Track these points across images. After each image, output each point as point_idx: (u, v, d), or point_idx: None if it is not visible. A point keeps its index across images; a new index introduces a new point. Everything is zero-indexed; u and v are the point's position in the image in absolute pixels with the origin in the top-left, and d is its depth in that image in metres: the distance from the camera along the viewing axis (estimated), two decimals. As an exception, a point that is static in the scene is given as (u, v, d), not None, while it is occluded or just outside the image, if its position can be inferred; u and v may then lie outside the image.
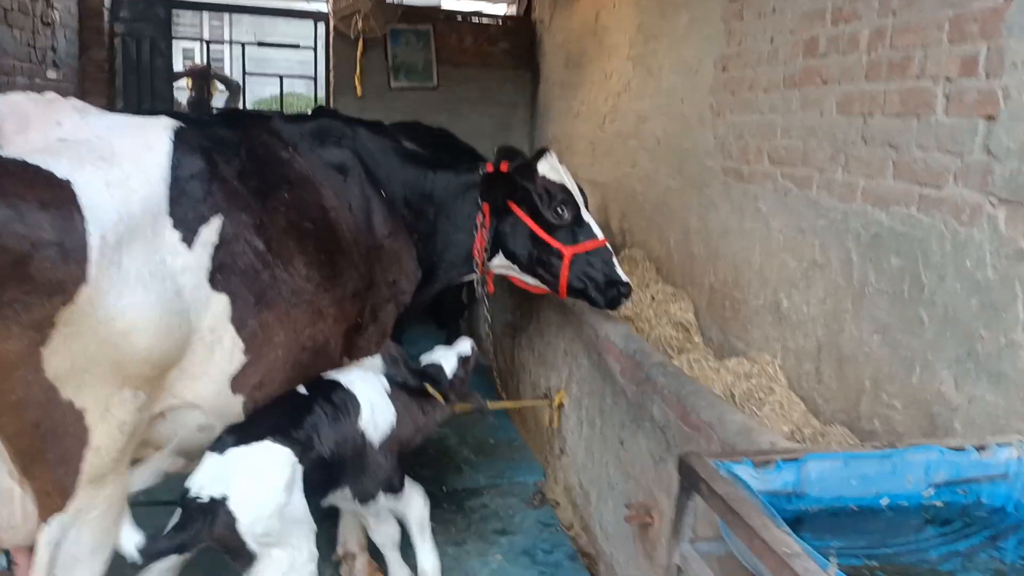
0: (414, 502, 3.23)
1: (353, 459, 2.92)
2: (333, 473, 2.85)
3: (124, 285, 2.13)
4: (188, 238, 2.34)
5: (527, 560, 3.92)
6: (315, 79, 9.33)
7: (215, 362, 2.46)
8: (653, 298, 5.08)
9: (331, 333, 2.82)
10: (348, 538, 3.60)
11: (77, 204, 2.04)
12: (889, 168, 3.16)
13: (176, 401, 2.45)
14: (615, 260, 3.79)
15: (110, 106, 8.65)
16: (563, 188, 3.73)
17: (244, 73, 9.32)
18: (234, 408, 2.59)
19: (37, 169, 2.03)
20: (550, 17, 8.49)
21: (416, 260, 3.44)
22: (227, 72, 9.98)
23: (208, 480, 2.50)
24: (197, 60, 8.99)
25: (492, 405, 3.77)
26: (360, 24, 8.39)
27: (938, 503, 2.26)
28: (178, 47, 15.78)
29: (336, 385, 2.92)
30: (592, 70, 6.92)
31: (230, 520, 2.44)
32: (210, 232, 2.39)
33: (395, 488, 3.13)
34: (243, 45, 8.96)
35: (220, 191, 2.45)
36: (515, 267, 3.82)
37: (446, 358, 3.37)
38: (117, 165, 2.19)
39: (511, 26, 9.34)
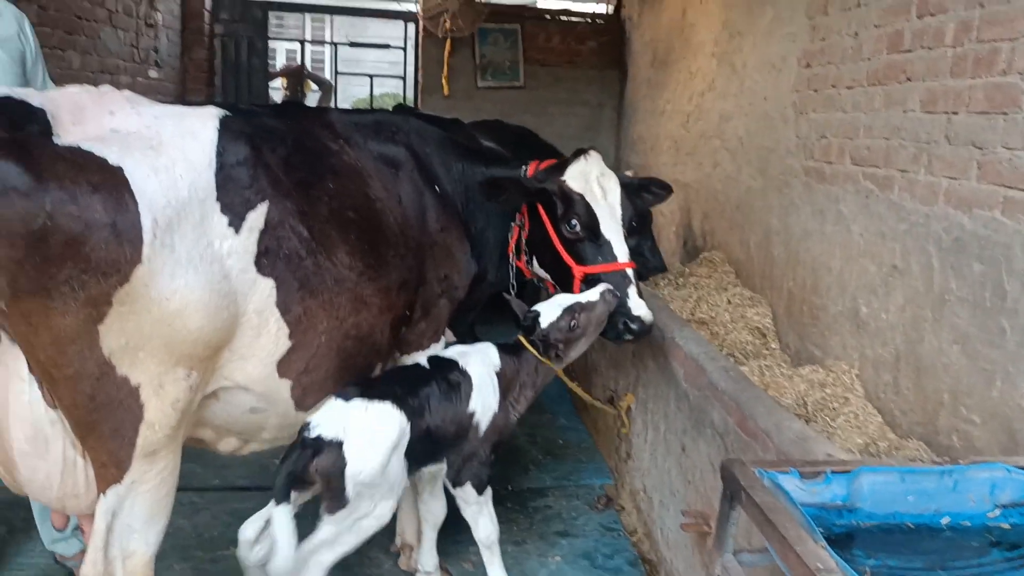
0: (481, 524, 3.27)
1: (455, 438, 3.07)
2: (434, 446, 3.03)
3: (176, 267, 2.22)
4: (235, 223, 2.41)
5: (586, 563, 3.89)
6: (404, 79, 9.49)
7: (262, 345, 2.53)
8: (729, 302, 4.96)
9: (376, 322, 2.86)
10: (406, 529, 3.64)
11: (129, 188, 2.14)
12: (973, 169, 3.00)
13: (228, 383, 2.54)
14: (632, 290, 3.38)
15: (209, 103, 9.01)
16: (580, 199, 3.36)
17: (336, 73, 9.57)
18: (282, 392, 2.66)
19: (90, 154, 2.13)
20: (639, 14, 8.41)
21: (469, 255, 3.41)
22: (327, 73, 10.25)
23: (328, 422, 2.73)
24: (299, 60, 9.26)
25: (570, 384, 3.61)
26: (448, 23, 8.50)
27: (1004, 525, 2.13)
28: (281, 48, 16.32)
29: (453, 365, 3.09)
30: (678, 68, 6.82)
31: (341, 463, 2.66)
32: (256, 217, 2.46)
33: (481, 484, 3.19)
34: (335, 45, 9.19)
35: (265, 178, 2.51)
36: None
37: (547, 308, 3.24)
38: (164, 152, 2.28)
39: (600, 24, 9.29)
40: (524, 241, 3.55)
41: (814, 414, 3.63)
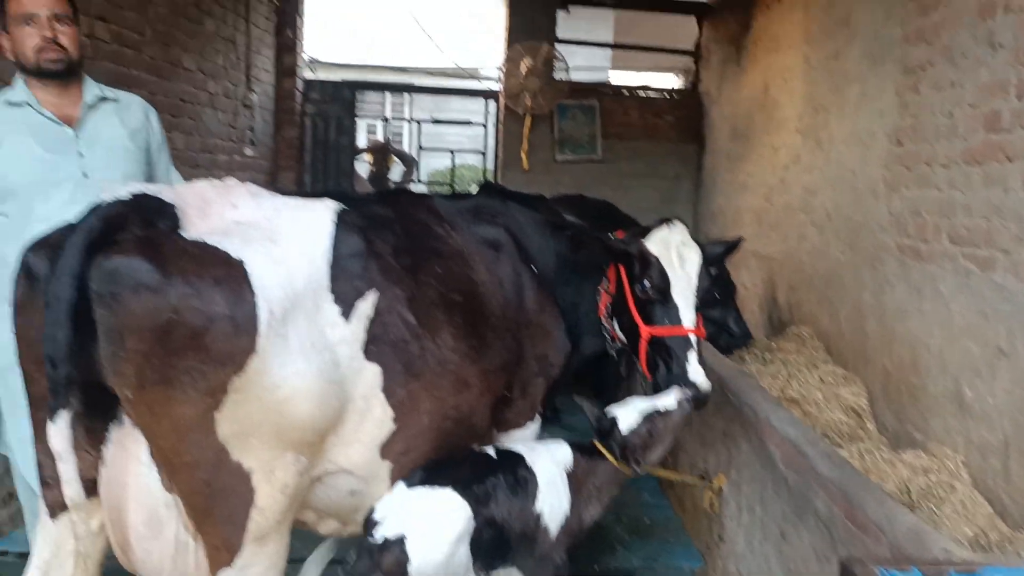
0: None
1: (522, 540, 2.94)
2: (500, 543, 2.89)
3: (288, 355, 2.27)
4: (346, 312, 2.46)
5: (679, 651, 3.75)
6: (484, 153, 9.69)
7: (366, 429, 2.55)
8: (822, 380, 4.83)
9: (476, 404, 2.87)
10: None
11: (248, 281, 2.20)
12: (1086, 251, 2.90)
13: (332, 466, 2.56)
14: (692, 355, 3.34)
15: (299, 179, 9.36)
16: (656, 262, 3.38)
17: (420, 148, 9.83)
18: (382, 473, 2.68)
19: (214, 249, 2.21)
20: (718, 90, 8.45)
21: (565, 333, 3.43)
22: (405, 146, 10.54)
23: (391, 512, 2.67)
24: (378, 136, 9.55)
25: (652, 471, 3.53)
26: (529, 101, 8.68)
27: None
28: (361, 123, 16.86)
29: (520, 459, 2.99)
30: (759, 142, 6.81)
31: (404, 559, 2.59)
32: (366, 306, 2.51)
33: None
34: (418, 123, 9.46)
35: (376, 267, 2.57)
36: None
37: (624, 412, 3.16)
38: (282, 245, 2.35)
39: (678, 99, 9.36)
40: (610, 305, 3.58)
41: (918, 502, 3.49)
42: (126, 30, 5.52)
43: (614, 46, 9.35)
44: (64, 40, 3.01)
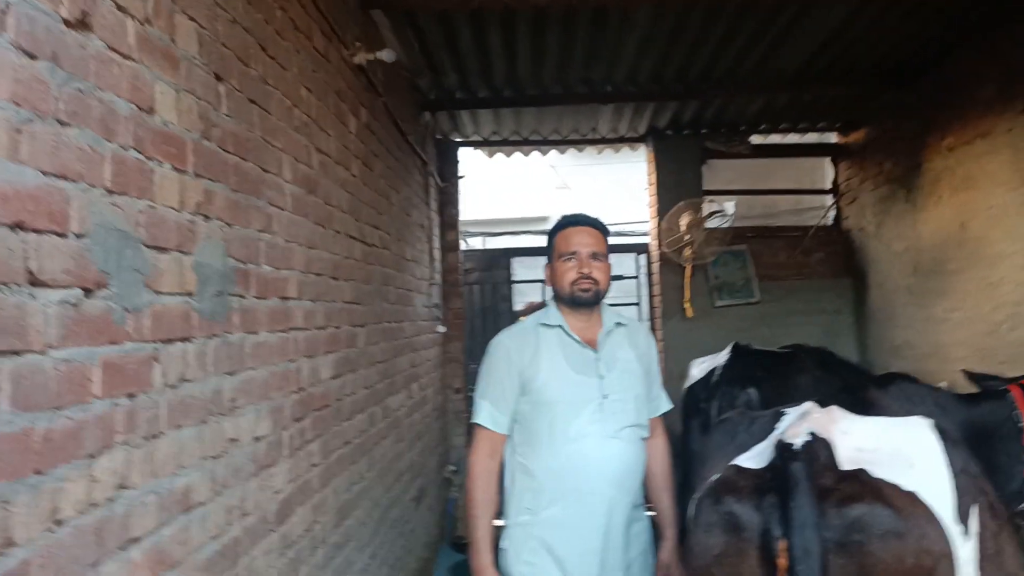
0: None
1: None
2: None
3: None
4: (966, 531, 2.39)
5: None
6: (638, 304, 9.78)
7: None
8: None
9: None
10: None
11: (929, 511, 2.21)
12: None
13: None
14: None
15: (464, 348, 9.41)
16: None
17: (574, 305, 9.91)
18: None
19: (897, 487, 2.21)
20: (876, 226, 8.56)
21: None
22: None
23: None
24: (542, 298, 9.69)
25: None
26: (689, 252, 8.82)
27: None
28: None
29: None
30: (965, 278, 6.80)
31: None
32: (975, 522, 2.44)
33: None
34: (573, 281, 9.60)
35: (971, 481, 2.52)
36: None
37: None
38: (919, 469, 2.32)
39: (823, 236, 9.48)
40: None
41: None
42: (382, 232, 5.73)
43: (755, 192, 9.62)
44: (597, 275, 3.16)
